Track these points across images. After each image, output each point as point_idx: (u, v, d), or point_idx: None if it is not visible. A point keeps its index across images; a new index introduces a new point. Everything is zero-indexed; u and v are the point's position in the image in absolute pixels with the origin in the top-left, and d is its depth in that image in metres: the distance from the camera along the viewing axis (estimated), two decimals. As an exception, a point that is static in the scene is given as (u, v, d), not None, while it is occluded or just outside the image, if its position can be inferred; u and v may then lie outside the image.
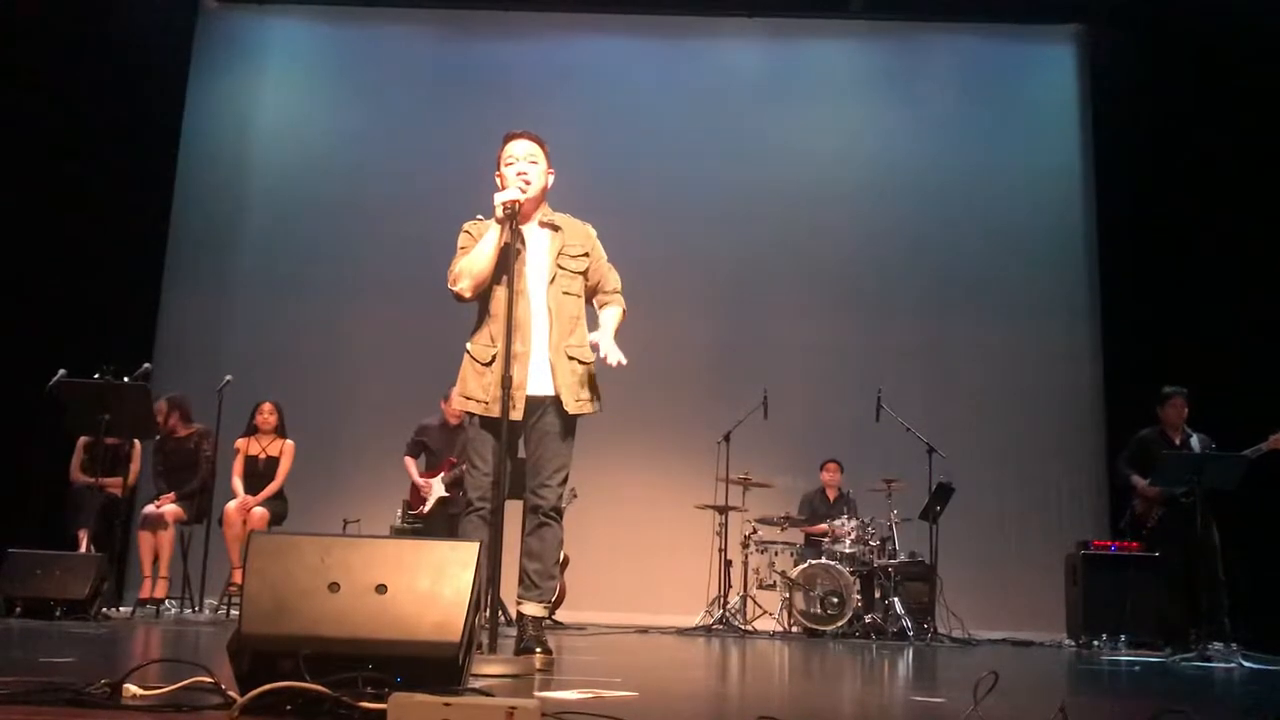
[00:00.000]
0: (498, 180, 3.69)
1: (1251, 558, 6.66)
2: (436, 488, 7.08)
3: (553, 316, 3.67)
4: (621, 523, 8.44)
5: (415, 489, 7.21)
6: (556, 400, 3.66)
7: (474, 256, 3.62)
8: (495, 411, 3.48)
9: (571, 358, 3.69)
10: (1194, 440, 6.62)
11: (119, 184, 8.58)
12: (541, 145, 3.75)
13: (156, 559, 6.65)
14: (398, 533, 7.03)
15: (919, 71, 9.62)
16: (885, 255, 9.25)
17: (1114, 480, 7.09)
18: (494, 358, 3.59)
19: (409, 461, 7.32)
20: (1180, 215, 8.40)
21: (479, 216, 3.74)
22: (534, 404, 3.66)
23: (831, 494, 8.12)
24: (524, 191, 3.58)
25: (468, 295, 3.66)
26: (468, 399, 3.65)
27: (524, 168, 3.65)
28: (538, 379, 3.64)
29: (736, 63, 9.69)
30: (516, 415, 3.55)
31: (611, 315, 3.88)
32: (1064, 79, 9.64)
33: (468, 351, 3.71)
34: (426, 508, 7.09)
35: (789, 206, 9.26)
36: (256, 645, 1.98)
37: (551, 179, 3.80)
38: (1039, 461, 8.84)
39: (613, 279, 3.92)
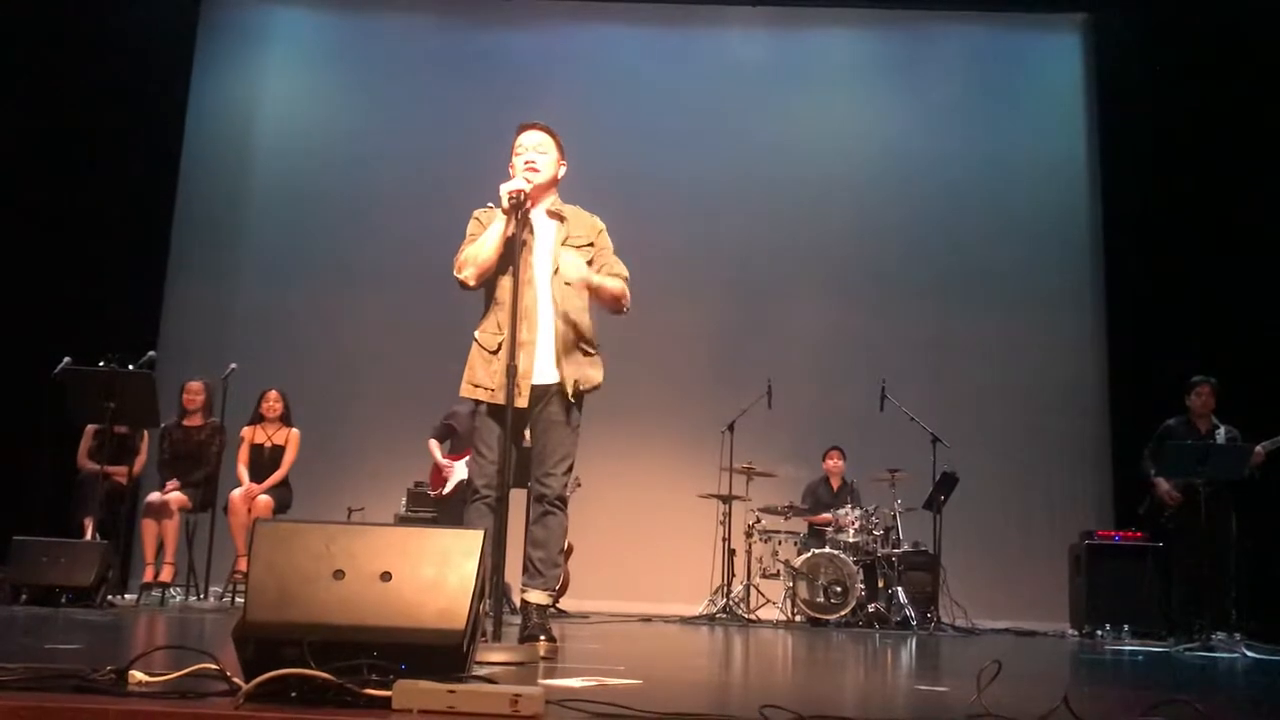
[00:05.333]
0: (511, 171, 3.71)
1: (1260, 548, 6.65)
2: (459, 470, 7.08)
3: (558, 306, 3.68)
4: (625, 512, 8.45)
5: (436, 470, 7.22)
6: (562, 389, 3.67)
7: (479, 246, 3.64)
8: (502, 399, 3.49)
9: (576, 348, 3.70)
10: (1220, 432, 6.50)
11: (123, 173, 8.59)
12: (553, 136, 3.78)
13: (161, 547, 6.66)
14: (403, 520, 7.05)
15: (924, 60, 9.59)
16: (890, 244, 9.23)
17: (1136, 471, 7.02)
18: (500, 345, 3.60)
19: (433, 443, 7.31)
20: (1187, 205, 8.36)
21: (489, 204, 3.74)
22: (539, 392, 3.67)
23: (835, 483, 8.13)
24: (530, 182, 3.60)
25: (472, 284, 3.68)
26: (476, 386, 3.68)
27: (532, 157, 3.69)
28: (543, 368, 3.65)
29: (741, 51, 9.65)
30: (522, 403, 3.57)
31: (604, 276, 3.78)
32: (1070, 68, 9.60)
33: (476, 340, 3.73)
34: (448, 489, 7.10)
35: (793, 195, 9.24)
36: (261, 633, 1.98)
37: (563, 170, 3.81)
38: (1043, 451, 8.84)
39: (620, 270, 3.91)
